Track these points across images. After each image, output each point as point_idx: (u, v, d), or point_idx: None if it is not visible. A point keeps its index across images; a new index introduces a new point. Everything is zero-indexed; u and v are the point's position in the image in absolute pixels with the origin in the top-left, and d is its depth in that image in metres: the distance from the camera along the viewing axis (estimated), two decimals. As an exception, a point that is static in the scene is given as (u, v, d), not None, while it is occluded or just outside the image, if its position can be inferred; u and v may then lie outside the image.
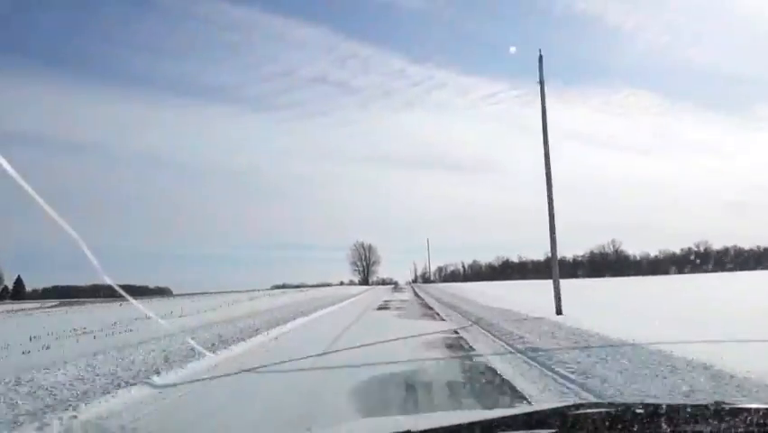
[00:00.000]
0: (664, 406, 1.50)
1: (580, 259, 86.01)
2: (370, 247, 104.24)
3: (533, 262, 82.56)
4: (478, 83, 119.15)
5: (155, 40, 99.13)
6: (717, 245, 77.81)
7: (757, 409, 1.42)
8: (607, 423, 1.40)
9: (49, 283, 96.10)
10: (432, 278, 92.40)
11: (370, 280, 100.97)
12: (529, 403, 4.57)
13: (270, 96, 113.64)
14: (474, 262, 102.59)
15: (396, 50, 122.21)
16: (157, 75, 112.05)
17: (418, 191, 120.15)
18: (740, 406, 1.48)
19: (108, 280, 3.61)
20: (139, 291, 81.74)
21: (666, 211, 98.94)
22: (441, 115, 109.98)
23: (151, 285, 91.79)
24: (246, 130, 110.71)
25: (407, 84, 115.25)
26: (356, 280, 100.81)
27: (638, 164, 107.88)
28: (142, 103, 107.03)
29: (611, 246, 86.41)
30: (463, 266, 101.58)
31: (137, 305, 6.85)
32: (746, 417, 1.38)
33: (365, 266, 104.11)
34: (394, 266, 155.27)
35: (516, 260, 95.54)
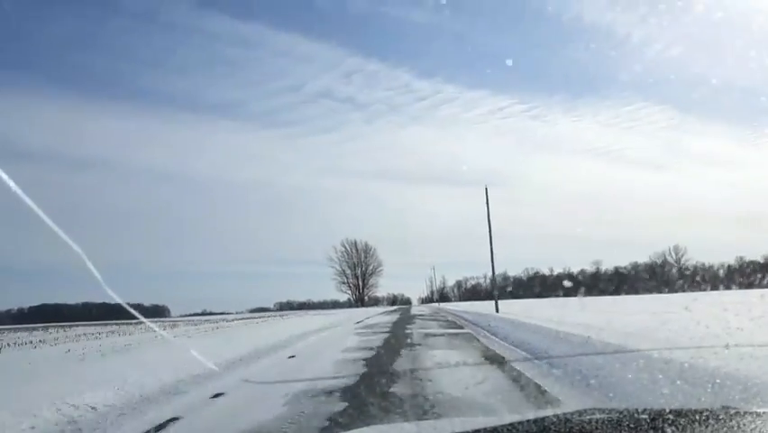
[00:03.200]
0: (669, 411, 1.53)
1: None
2: (366, 248, 79.03)
3: (569, 275, 76.12)
4: (485, 97, 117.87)
5: (162, 55, 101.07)
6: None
7: (764, 414, 1.47)
8: (611, 429, 1.41)
9: (33, 301, 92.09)
10: (450, 294, 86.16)
11: (367, 298, 79.85)
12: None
13: (276, 112, 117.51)
14: (504, 273, 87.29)
15: (402, 64, 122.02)
16: (163, 90, 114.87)
17: (428, 207, 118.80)
18: (747, 411, 1.51)
19: (117, 299, 3.50)
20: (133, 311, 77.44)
21: (679, 226, 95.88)
22: (448, 129, 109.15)
23: (147, 303, 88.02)
24: (252, 146, 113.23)
25: (414, 99, 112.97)
26: (348, 297, 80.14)
27: (649, 178, 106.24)
28: (148, 118, 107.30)
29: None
30: (486, 279, 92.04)
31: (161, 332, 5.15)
32: (753, 421, 1.40)
33: (358, 276, 78.23)
34: (406, 282, 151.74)
35: (547, 272, 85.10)
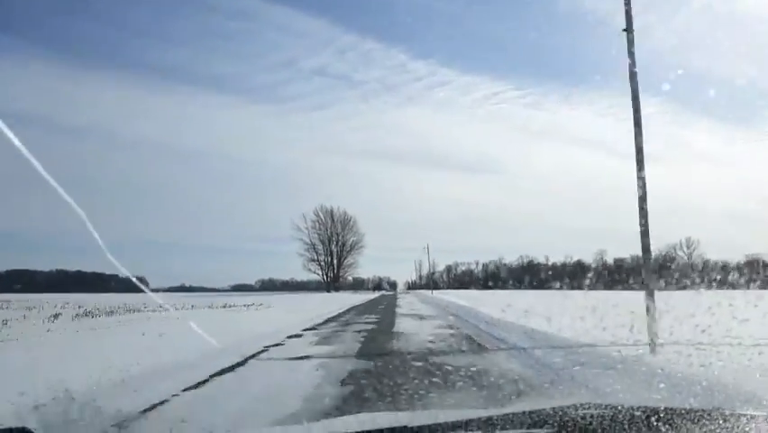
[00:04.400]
0: (663, 409, 1.56)
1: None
2: (345, 219, 65.73)
3: (564, 265, 74.48)
4: (480, 82, 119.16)
5: (160, 25, 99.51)
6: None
7: (757, 416, 1.50)
8: (605, 424, 1.43)
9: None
10: (439, 280, 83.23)
11: (343, 278, 69.16)
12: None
13: (272, 87, 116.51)
14: (499, 261, 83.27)
15: (397, 44, 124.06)
16: (155, 61, 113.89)
17: (420, 189, 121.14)
18: (740, 412, 1.53)
19: (124, 271, 3.39)
20: (110, 281, 75.76)
21: (673, 220, 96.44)
22: (443, 112, 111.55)
23: (123, 274, 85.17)
24: (244, 121, 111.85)
25: (409, 79, 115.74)
26: (319, 277, 68.33)
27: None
28: (145, 88, 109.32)
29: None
30: (478, 265, 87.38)
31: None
32: (746, 423, 1.43)
33: (333, 253, 64.90)
34: (395, 265, 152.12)
35: (543, 260, 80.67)
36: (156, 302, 20.04)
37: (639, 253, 7.16)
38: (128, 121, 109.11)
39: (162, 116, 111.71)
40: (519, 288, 60.73)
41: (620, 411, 1.53)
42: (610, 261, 73.21)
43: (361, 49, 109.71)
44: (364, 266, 79.07)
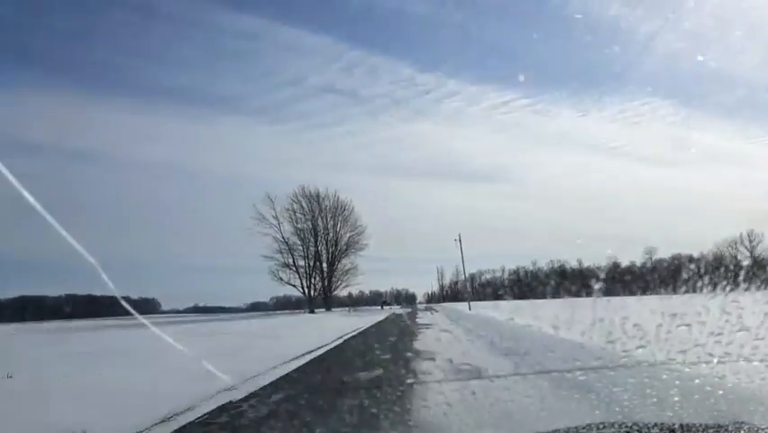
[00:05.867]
0: (679, 426, 1.51)
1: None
2: (336, 205, 45.00)
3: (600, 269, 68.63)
4: (489, 91, 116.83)
5: (164, 48, 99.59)
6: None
7: None
8: None
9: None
10: (463, 289, 76.51)
11: (337, 290, 48.14)
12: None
13: (279, 106, 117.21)
14: (534, 264, 73.98)
15: (404, 57, 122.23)
16: (166, 84, 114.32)
17: (432, 202, 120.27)
18: (761, 427, 1.47)
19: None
20: (117, 303, 73.42)
21: (685, 222, 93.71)
22: (452, 124, 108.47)
23: (134, 295, 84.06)
24: (254, 141, 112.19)
25: (417, 92, 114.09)
26: (301, 291, 46.31)
27: (655, 174, 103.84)
28: (151, 112, 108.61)
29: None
30: (504, 272, 79.18)
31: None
32: None
33: (321, 254, 43.07)
34: (410, 278, 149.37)
35: (576, 265, 74.09)
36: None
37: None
38: (136, 144, 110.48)
39: (172, 138, 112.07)
40: (556, 296, 56.38)
41: (637, 430, 1.49)
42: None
43: (368, 63, 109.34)
44: (370, 275, 65.51)
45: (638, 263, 71.12)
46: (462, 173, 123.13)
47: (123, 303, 3.22)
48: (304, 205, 46.15)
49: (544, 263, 76.21)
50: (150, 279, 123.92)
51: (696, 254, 56.96)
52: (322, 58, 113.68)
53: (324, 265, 46.23)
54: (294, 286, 47.25)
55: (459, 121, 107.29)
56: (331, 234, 46.51)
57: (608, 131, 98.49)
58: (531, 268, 75.23)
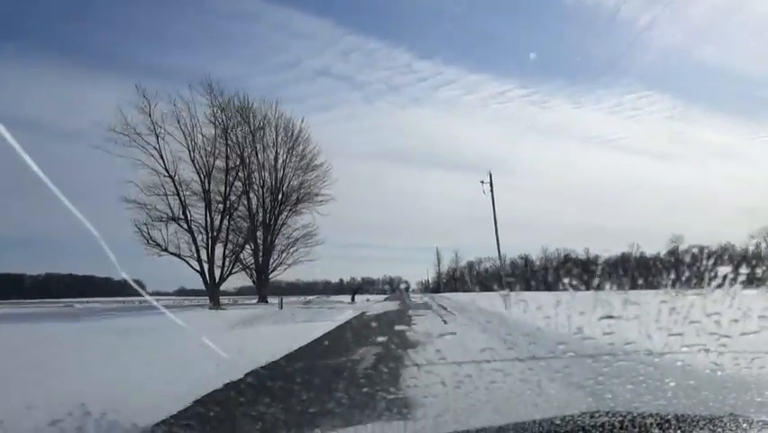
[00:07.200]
0: (674, 416, 1.53)
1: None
2: (294, 128, 33.04)
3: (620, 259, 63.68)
4: (486, 81, 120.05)
5: (160, 29, 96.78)
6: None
7: None
8: (616, 432, 1.43)
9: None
10: (462, 280, 72.79)
11: (271, 280, 33.53)
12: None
13: (276, 89, 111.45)
14: (544, 252, 67.03)
15: (401, 44, 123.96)
16: (162, 65, 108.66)
17: (428, 189, 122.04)
18: (755, 419, 1.50)
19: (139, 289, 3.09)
20: (103, 285, 71.05)
21: (681, 216, 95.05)
22: (449, 112, 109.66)
23: (116, 277, 79.94)
24: None
25: (414, 79, 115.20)
26: (201, 273, 28.02)
27: (651, 168, 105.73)
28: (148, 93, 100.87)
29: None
30: (507, 261, 66.89)
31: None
32: (760, 431, 1.40)
33: (255, 208, 30.06)
34: (404, 266, 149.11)
35: (583, 255, 68.60)
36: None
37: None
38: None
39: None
40: (566, 288, 52.52)
41: (632, 419, 1.51)
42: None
43: (364, 49, 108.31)
44: (356, 261, 55.97)
45: (662, 254, 68.24)
46: (460, 162, 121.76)
47: (133, 284, 2.86)
48: (217, 116, 28.55)
49: (550, 252, 72.69)
50: (129, 259, 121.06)
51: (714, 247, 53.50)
52: (318, 41, 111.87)
53: (258, 226, 29.13)
54: (178, 255, 27.57)
55: (456, 109, 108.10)
56: (267, 175, 29.56)
57: (605, 123, 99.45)
58: (547, 253, 71.56)
